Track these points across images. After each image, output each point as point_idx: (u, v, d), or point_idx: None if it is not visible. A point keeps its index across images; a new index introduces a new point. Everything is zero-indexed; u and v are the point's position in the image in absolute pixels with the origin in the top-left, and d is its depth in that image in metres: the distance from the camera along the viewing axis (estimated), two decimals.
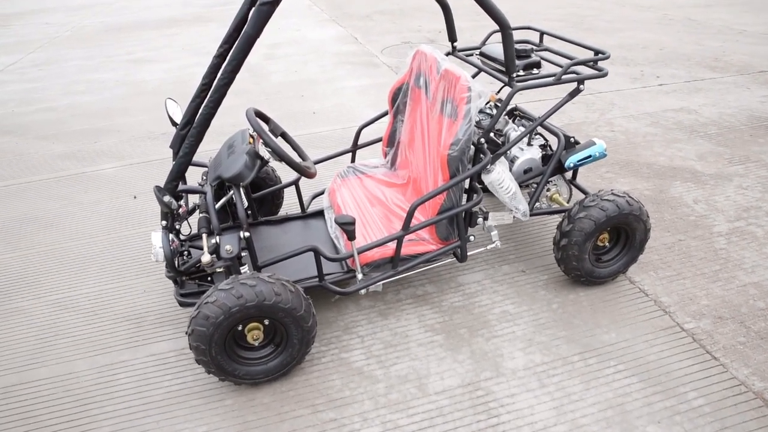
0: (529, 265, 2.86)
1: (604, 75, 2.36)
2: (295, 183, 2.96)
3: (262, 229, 2.97)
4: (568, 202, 2.90)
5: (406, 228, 2.27)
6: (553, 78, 2.28)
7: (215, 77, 2.21)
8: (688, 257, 2.86)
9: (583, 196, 2.75)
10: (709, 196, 3.41)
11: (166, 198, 2.19)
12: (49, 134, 5.05)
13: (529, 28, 2.86)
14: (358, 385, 2.21)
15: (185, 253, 2.46)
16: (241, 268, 2.26)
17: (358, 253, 2.28)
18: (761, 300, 2.55)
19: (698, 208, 3.29)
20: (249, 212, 2.98)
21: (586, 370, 2.22)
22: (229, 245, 2.14)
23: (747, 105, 4.81)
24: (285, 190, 3.24)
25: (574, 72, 2.34)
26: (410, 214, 2.24)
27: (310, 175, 2.34)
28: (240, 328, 2.11)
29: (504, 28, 2.07)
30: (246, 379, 2.20)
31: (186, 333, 2.09)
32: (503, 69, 2.39)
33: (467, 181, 2.40)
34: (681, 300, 2.57)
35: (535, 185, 2.78)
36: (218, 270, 2.23)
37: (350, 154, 3.16)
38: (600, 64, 2.41)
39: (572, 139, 2.65)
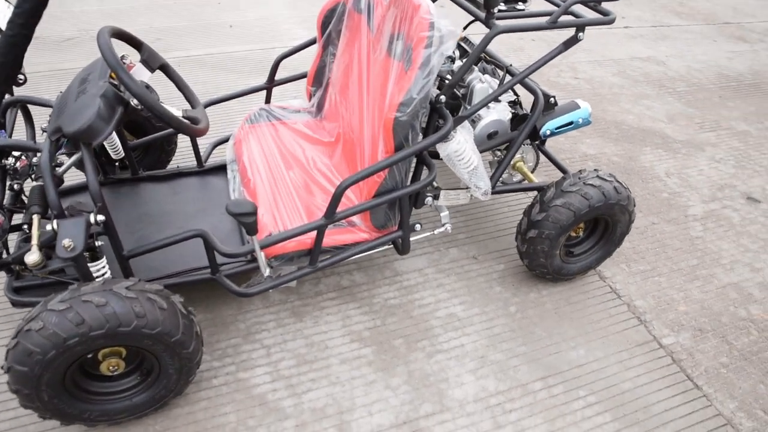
0: (482, 249, 2.34)
1: (611, 21, 1.75)
2: None
3: (143, 188, 2.22)
4: (533, 172, 2.36)
5: (331, 216, 1.64)
6: (547, 20, 1.64)
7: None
8: (663, 246, 2.45)
9: (550, 165, 2.22)
10: (681, 169, 3.00)
11: None
12: None
13: None
14: (260, 423, 1.65)
15: (23, 227, 1.72)
16: (97, 264, 1.57)
17: (264, 248, 1.64)
18: (742, 307, 2.20)
19: (671, 183, 2.87)
20: (126, 163, 2.23)
21: (550, 403, 1.77)
22: (68, 239, 1.43)
23: (714, 60, 4.40)
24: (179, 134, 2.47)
25: (572, 13, 1.72)
26: (337, 198, 1.61)
27: (197, 133, 1.63)
28: (89, 355, 1.46)
29: None
30: (102, 420, 1.58)
31: (0, 368, 1.42)
32: (479, 1, 1.72)
33: None
34: (657, 305, 2.16)
35: (498, 153, 2.21)
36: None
37: (264, 91, 2.41)
38: (604, 5, 1.80)
39: (552, 99, 2.07)
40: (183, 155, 2.70)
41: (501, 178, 2.09)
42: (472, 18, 1.72)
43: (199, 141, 2.35)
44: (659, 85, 3.90)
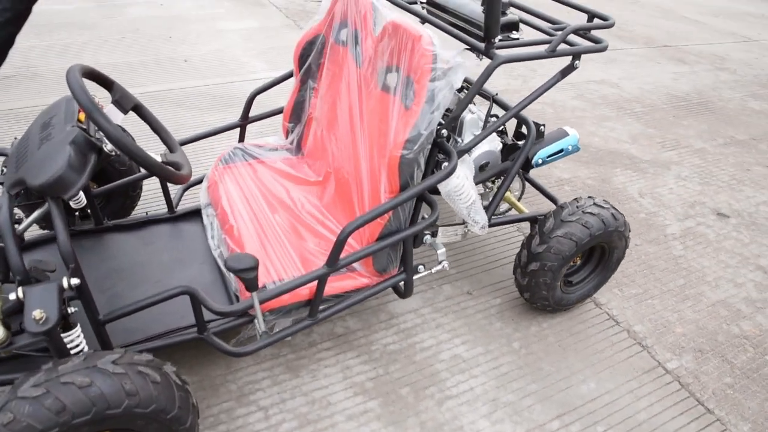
0: (476, 283, 2.26)
1: (604, 48, 1.74)
2: None
3: (109, 239, 2.03)
4: (519, 200, 2.33)
5: (334, 263, 1.52)
6: (546, 49, 1.61)
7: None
8: (650, 268, 2.46)
9: (537, 193, 2.19)
10: (652, 188, 3.06)
11: None
12: None
13: None
14: None
15: None
16: (70, 334, 1.38)
17: (262, 302, 1.50)
18: (734, 324, 2.22)
19: (645, 204, 2.92)
20: (88, 212, 2.04)
21: None
22: (38, 310, 1.24)
23: (661, 81, 4.60)
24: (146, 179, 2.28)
25: (567, 42, 1.70)
26: (340, 244, 1.49)
27: (181, 180, 1.49)
28: None
29: None
30: None
31: None
32: (474, 30, 1.67)
33: None
34: (655, 328, 2.15)
35: (489, 185, 2.16)
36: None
37: (237, 129, 2.28)
38: (595, 33, 1.79)
39: (542, 128, 2.04)
40: (147, 201, 2.51)
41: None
42: (469, 49, 1.66)
43: (169, 184, 2.19)
44: (617, 107, 4.02)
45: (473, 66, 1.46)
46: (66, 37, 4.21)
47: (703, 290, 2.37)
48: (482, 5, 1.73)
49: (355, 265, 1.71)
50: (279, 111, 2.25)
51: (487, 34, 1.50)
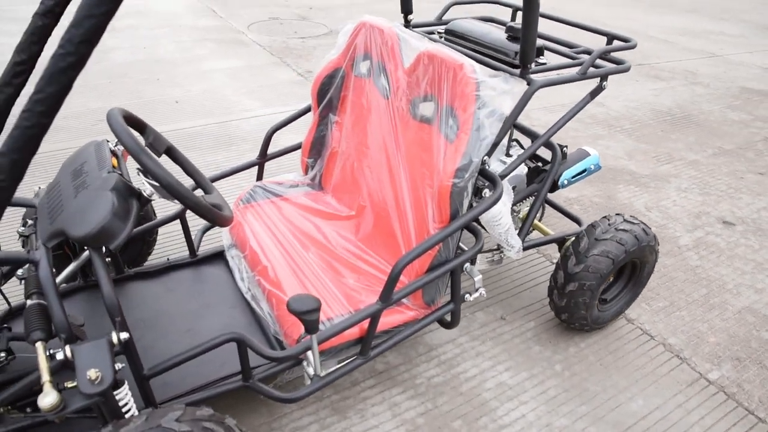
0: (507, 308, 2.24)
1: (628, 69, 1.79)
2: (179, 216, 1.98)
3: (131, 288, 1.96)
4: (539, 221, 2.34)
5: (388, 298, 1.48)
6: (577, 72, 1.64)
7: (40, 49, 1.19)
8: (671, 280, 2.48)
9: (556, 213, 2.19)
10: (657, 202, 3.12)
11: None
12: None
13: (496, 1, 2.20)
14: None
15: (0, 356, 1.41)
16: (119, 392, 1.30)
17: (319, 344, 1.44)
18: (763, 330, 2.24)
19: (654, 217, 2.97)
20: (108, 261, 1.96)
21: None
22: (93, 369, 1.17)
23: (644, 98, 4.75)
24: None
25: (593, 65, 1.74)
26: (394, 279, 1.45)
27: (226, 222, 1.44)
28: None
29: None
30: None
31: None
32: (501, 57, 1.69)
33: None
34: (689, 340, 2.15)
35: (515, 209, 2.16)
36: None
37: (256, 168, 2.24)
38: (616, 55, 1.84)
39: (565, 149, 2.07)
40: (163, 247, 2.43)
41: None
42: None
43: (188, 224, 2.12)
44: (607, 125, 4.12)
45: (520, 92, 1.47)
46: None
47: (726, 298, 2.40)
48: (506, 33, 1.76)
49: (404, 299, 1.67)
50: (297, 147, 2.23)
51: (524, 59, 1.52)
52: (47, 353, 1.23)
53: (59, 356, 1.21)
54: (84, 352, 1.23)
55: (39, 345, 1.26)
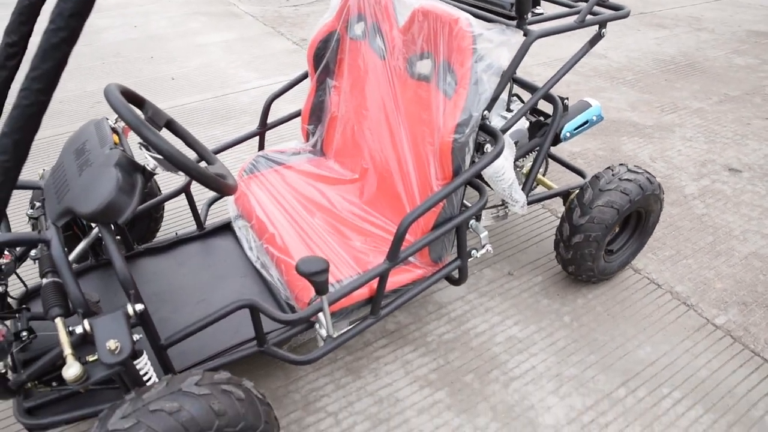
0: (514, 263, 2.26)
1: (627, 14, 1.75)
2: (185, 190, 1.99)
3: (142, 264, 1.98)
4: (543, 176, 2.34)
5: (395, 257, 1.50)
6: (575, 20, 1.61)
7: (31, 28, 1.18)
8: (678, 229, 2.48)
9: (560, 167, 2.18)
10: (662, 152, 3.10)
11: None
12: None
13: None
14: None
15: (22, 336, 1.44)
16: (138, 362, 1.33)
17: (330, 305, 1.47)
18: None
19: (659, 167, 2.95)
20: (117, 239, 1.98)
21: (640, 408, 1.70)
22: (112, 340, 1.21)
23: (647, 47, 4.66)
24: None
25: (591, 12, 1.70)
26: (400, 238, 1.47)
27: (231, 191, 1.45)
28: None
29: None
30: None
31: None
32: (495, 9, 1.66)
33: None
34: (696, 287, 2.17)
35: (517, 164, 2.16)
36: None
37: (257, 137, 2.24)
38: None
39: (566, 101, 2.05)
40: (170, 222, 2.46)
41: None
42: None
43: (194, 198, 2.13)
44: (609, 77, 4.06)
45: (517, 43, 1.45)
46: None
47: (732, 245, 2.40)
48: None
49: (411, 257, 1.69)
50: (297, 114, 2.22)
51: (520, 9, 1.49)
52: (67, 329, 1.26)
53: (78, 330, 1.25)
54: (102, 325, 1.26)
55: (59, 320, 1.29)
